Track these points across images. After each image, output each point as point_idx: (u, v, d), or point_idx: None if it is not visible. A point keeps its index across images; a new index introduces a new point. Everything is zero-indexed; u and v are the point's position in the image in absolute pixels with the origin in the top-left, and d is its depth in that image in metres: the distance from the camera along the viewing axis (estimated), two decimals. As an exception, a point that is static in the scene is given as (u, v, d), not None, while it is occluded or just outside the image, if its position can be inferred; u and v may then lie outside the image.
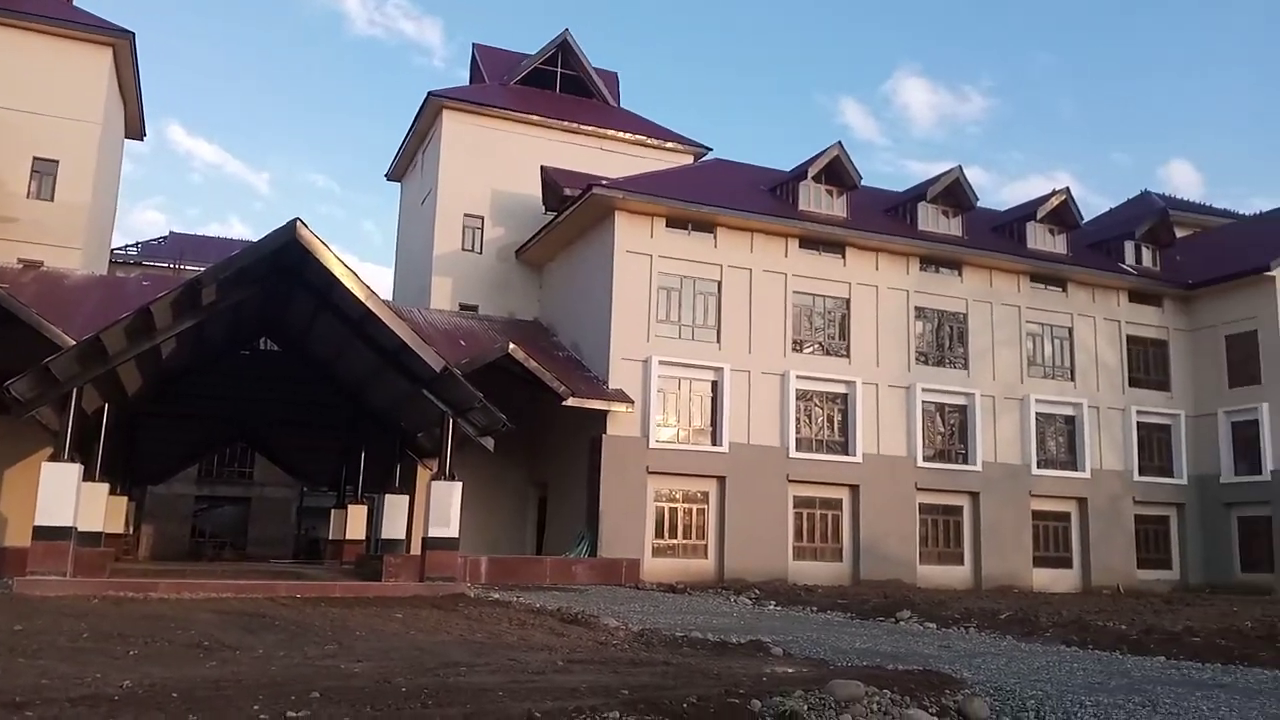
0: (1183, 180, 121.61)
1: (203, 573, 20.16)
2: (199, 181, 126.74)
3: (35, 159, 29.87)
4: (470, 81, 41.27)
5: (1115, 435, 32.72)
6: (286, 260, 17.66)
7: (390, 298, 37.42)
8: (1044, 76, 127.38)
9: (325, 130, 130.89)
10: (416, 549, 20.84)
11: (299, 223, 16.81)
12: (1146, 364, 33.96)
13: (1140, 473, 32.72)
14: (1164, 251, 35.96)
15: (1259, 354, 32.22)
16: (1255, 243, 34.67)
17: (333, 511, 29.28)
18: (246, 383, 25.49)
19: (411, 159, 39.83)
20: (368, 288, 17.68)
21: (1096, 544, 31.52)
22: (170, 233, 52.86)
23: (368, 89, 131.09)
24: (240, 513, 42.89)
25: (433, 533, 18.74)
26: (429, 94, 35.15)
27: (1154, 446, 33.43)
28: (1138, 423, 33.01)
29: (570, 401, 25.35)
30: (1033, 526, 30.98)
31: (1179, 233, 37.49)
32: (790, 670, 8.72)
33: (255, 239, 18.35)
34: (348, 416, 25.66)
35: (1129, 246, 35.24)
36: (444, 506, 18.83)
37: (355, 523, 27.09)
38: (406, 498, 24.02)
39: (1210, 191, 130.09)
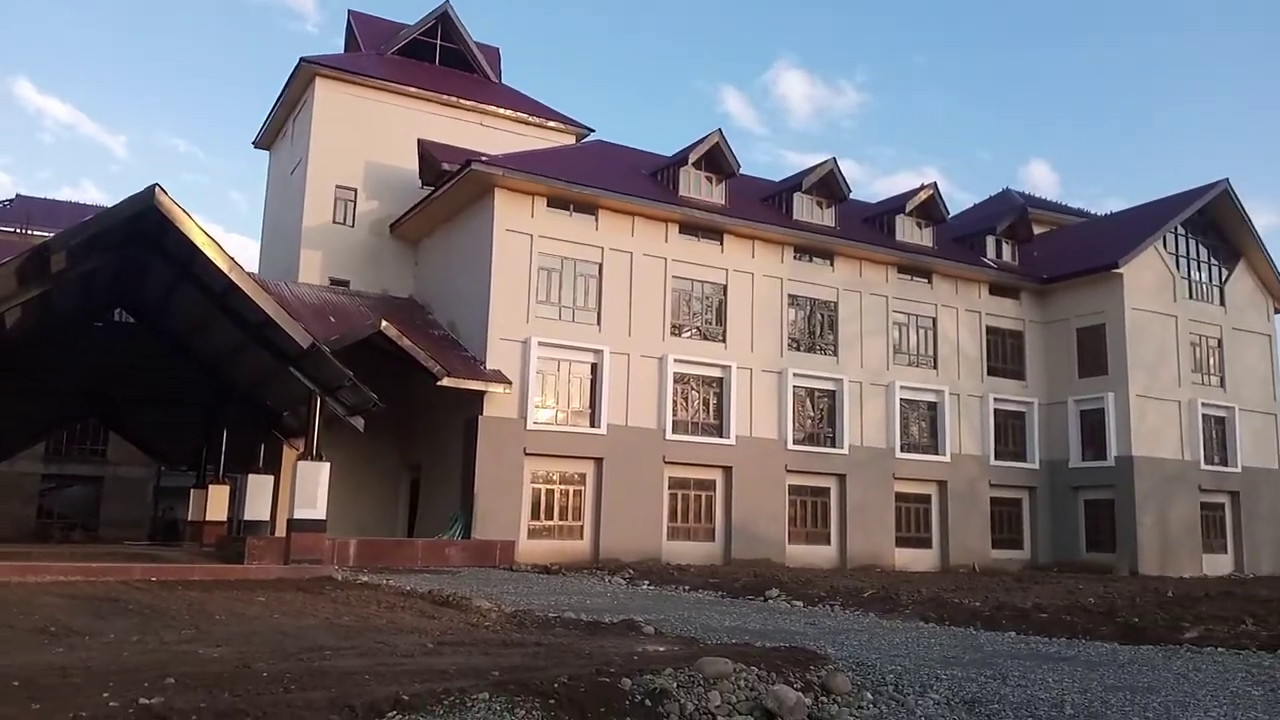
0: (1041, 179, 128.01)
1: (49, 555, 19.04)
2: (50, 142, 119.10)
3: None
4: (345, 50, 39.93)
5: (974, 421, 34.26)
6: (144, 228, 16.79)
7: (256, 270, 35.96)
8: (916, 75, 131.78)
9: (189, 93, 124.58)
10: (282, 531, 20.21)
11: (158, 189, 15.98)
12: (1004, 354, 35.66)
13: (996, 457, 34.39)
14: (1022, 247, 37.78)
15: (1106, 346, 34.24)
16: (1106, 241, 36.77)
17: (192, 492, 28.12)
18: (99, 356, 24.20)
19: (281, 127, 38.30)
20: (231, 259, 16.95)
21: (955, 525, 32.99)
22: (17, 195, 49.30)
23: (235, 52, 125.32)
24: (92, 492, 40.62)
25: (299, 514, 18.22)
26: (301, 60, 33.82)
27: (1009, 432, 35.16)
28: (995, 410, 34.66)
29: (446, 381, 24.91)
30: (895, 508, 32.19)
31: (1036, 229, 39.45)
32: (661, 649, 8.79)
33: (111, 205, 17.31)
34: (209, 393, 24.63)
35: (990, 241, 36.87)
36: (310, 487, 18.31)
37: (216, 504, 26.12)
38: (271, 478, 23.30)
39: (1066, 191, 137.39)
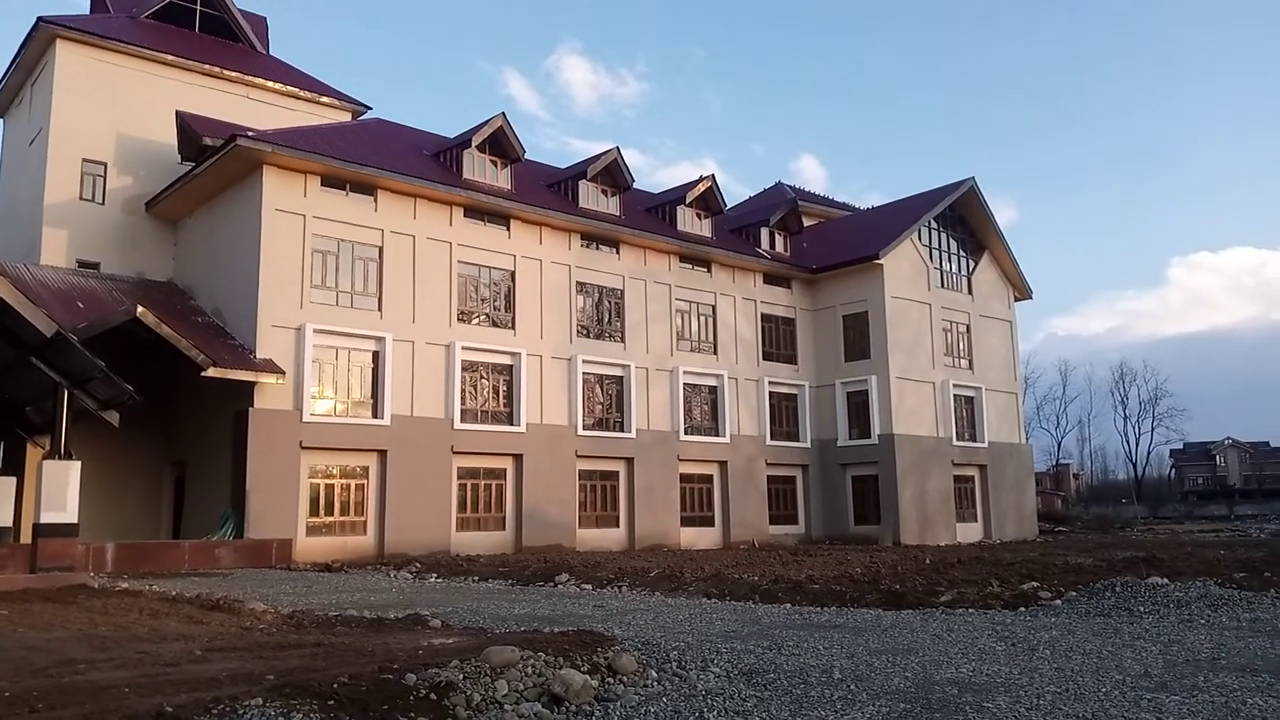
0: (811, 174, 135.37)
1: None
2: None
3: None
4: (91, 11, 36.54)
5: (751, 404, 35.81)
6: None
7: (-9, 252, 32.37)
8: (695, 67, 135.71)
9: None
10: (27, 538, 18.39)
11: None
12: (778, 340, 37.46)
13: (772, 438, 36.13)
14: (794, 238, 39.79)
15: (869, 332, 36.67)
16: (869, 234, 39.33)
17: (-85, 499, 25.01)
18: None
19: (17, 93, 34.57)
20: (-41, 238, 15.16)
21: (735, 503, 34.40)
22: None
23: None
24: None
25: (46, 518, 16.63)
26: (39, 20, 30.59)
27: (783, 414, 37.01)
28: (770, 392, 36.38)
29: (211, 372, 23.34)
30: (680, 488, 33.20)
31: (806, 221, 41.67)
32: (449, 641, 8.65)
33: None
34: (-67, 388, 21.97)
35: (765, 233, 38.60)
36: (59, 489, 16.74)
37: (-55, 511, 23.34)
38: (14, 480, 21.05)
39: (833, 185, 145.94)
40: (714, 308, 35.54)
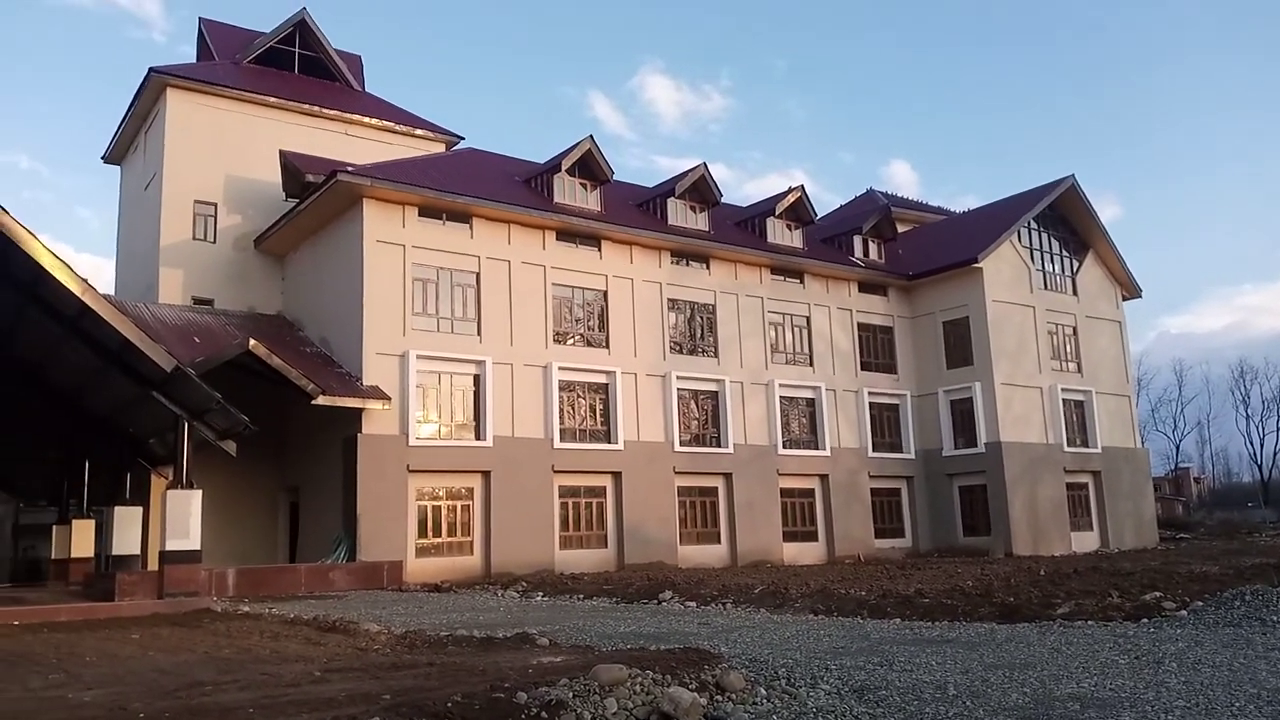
0: (902, 179, 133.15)
1: (-112, 608, 17.59)
2: None
3: None
4: (198, 59, 38.35)
5: (851, 415, 35.27)
6: (-16, 251, 15.69)
7: (112, 292, 34.16)
8: (779, 79, 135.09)
9: (29, 107, 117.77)
10: (154, 565, 19.24)
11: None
12: (876, 349, 36.85)
13: (874, 449, 35.49)
14: (888, 245, 39.14)
15: (970, 338, 35.77)
16: (965, 237, 38.44)
17: (55, 528, 26.50)
18: (-61, 390, 22.50)
19: (132, 141, 36.50)
20: (83, 281, 15.99)
21: (838, 516, 33.87)
22: None
23: (77, 63, 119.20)
24: (-61, 536, 37.80)
25: (171, 546, 17.34)
26: (151, 70, 32.30)
27: (885, 425, 36.33)
28: (870, 403, 35.77)
29: (321, 400, 24.16)
30: (781, 503, 32.86)
31: (900, 228, 40.95)
32: (557, 660, 8.72)
33: (-55, 227, 16.08)
34: (66, 423, 23.23)
35: (857, 241, 38.07)
36: (182, 517, 17.44)
37: (81, 539, 24.68)
38: (140, 509, 22.11)
39: (925, 189, 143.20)
40: (808, 319, 35.19)
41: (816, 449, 34.12)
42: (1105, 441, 37.98)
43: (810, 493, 34.00)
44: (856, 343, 36.23)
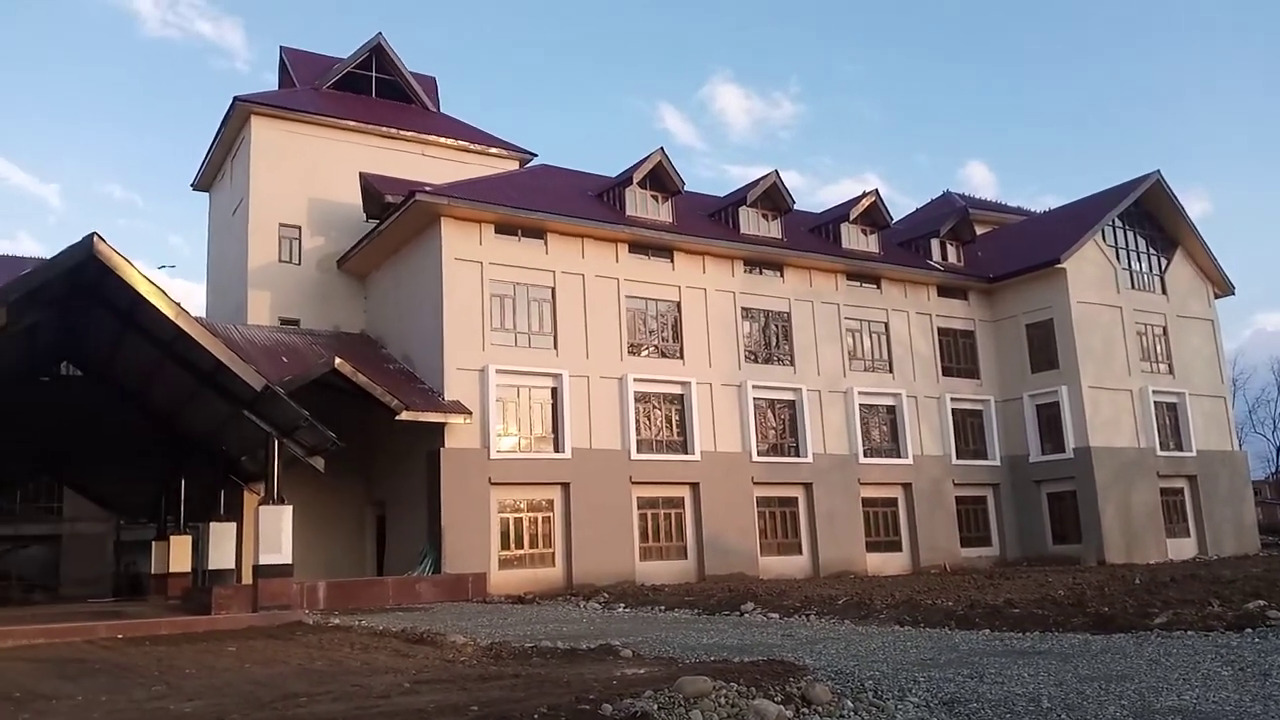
0: (979, 180, 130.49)
1: (9, 618, 18.46)
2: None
3: None
4: (279, 86, 39.59)
5: (933, 422, 34.65)
6: (84, 278, 16.46)
7: (204, 315, 35.38)
8: (849, 83, 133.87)
9: (121, 139, 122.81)
10: (248, 578, 19.85)
11: (97, 237, 15.67)
12: (957, 354, 36.15)
13: (958, 456, 34.78)
14: (966, 247, 38.39)
15: (1055, 340, 34.85)
16: (1047, 238, 37.49)
17: (154, 544, 27.55)
18: (47, 411, 23.61)
19: (219, 168, 37.84)
20: (177, 305, 16.66)
21: (922, 525, 33.26)
22: (-50, 252, 48.34)
23: (166, 94, 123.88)
24: (50, 552, 39.52)
25: (264, 560, 17.89)
26: (235, 99, 33.48)
27: (969, 431, 35.59)
28: (952, 409, 35.08)
29: (404, 415, 24.68)
30: (863, 513, 32.40)
31: (979, 229, 40.11)
32: (641, 671, 8.75)
33: (49, 256, 16.90)
34: (164, 442, 24.14)
35: (935, 244, 37.41)
36: (274, 532, 17.99)
37: (179, 555, 25.63)
38: (234, 525, 22.87)
39: (1004, 190, 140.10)
40: (886, 324, 34.71)
41: (898, 457, 33.60)
42: (1200, 445, 36.61)
43: (893, 502, 33.48)
44: (937, 348, 35.60)
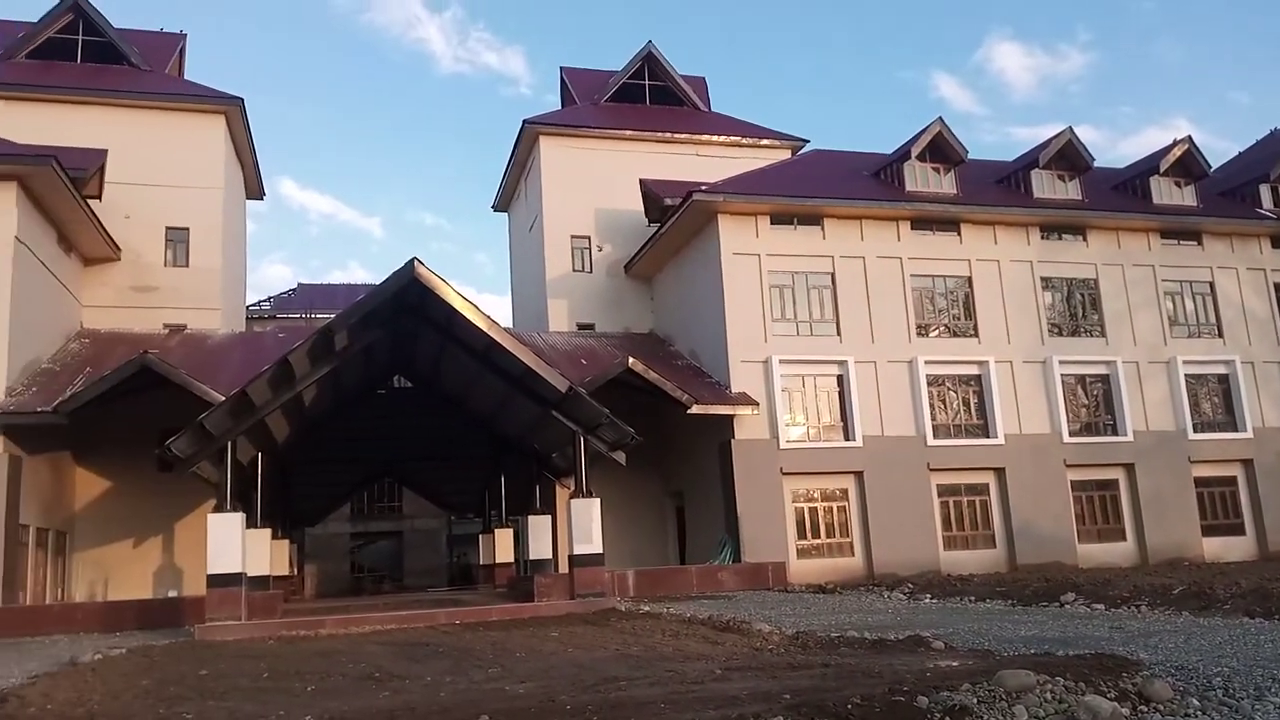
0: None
1: (366, 606, 20.88)
2: (316, 233, 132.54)
3: (168, 229, 31.24)
4: (562, 105, 41.84)
5: (1275, 390, 30.74)
6: (408, 299, 18.23)
7: (510, 324, 38.22)
8: (1145, 23, 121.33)
9: (428, 170, 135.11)
10: (564, 567, 21.16)
11: (417, 262, 17.31)
12: (1302, 310, 31.81)
13: (1309, 426, 30.64)
14: (1306, 190, 33.64)
15: None
16: None
17: (481, 537, 29.94)
18: (386, 421, 26.42)
19: (515, 188, 40.66)
20: (488, 318, 18.10)
21: (1269, 506, 29.63)
22: (298, 284, 55.37)
23: (463, 124, 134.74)
24: (394, 546, 44.53)
25: (578, 550, 19.01)
26: (524, 122, 35.80)
27: (1321, 397, 31.23)
28: (1299, 373, 30.93)
29: (695, 409, 25.35)
30: (1196, 494, 29.37)
31: (1323, 167, 34.98)
32: (954, 663, 8.48)
33: (376, 282, 18.97)
34: (484, 444, 26.27)
35: (1265, 190, 33.08)
36: (585, 523, 19.07)
37: (503, 546, 27.64)
38: (549, 518, 24.40)
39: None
40: (1211, 284, 31.19)
41: (1235, 431, 30.11)
42: None
43: (1231, 480, 30.04)
44: (1275, 306, 31.53)
